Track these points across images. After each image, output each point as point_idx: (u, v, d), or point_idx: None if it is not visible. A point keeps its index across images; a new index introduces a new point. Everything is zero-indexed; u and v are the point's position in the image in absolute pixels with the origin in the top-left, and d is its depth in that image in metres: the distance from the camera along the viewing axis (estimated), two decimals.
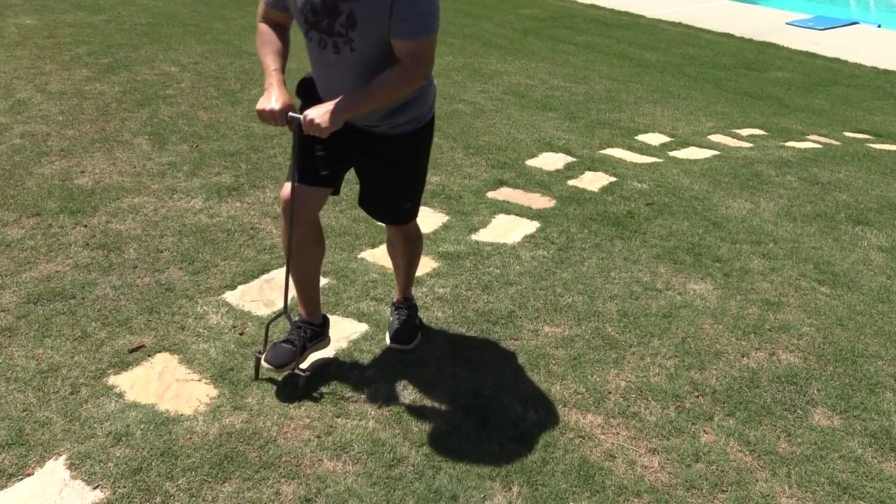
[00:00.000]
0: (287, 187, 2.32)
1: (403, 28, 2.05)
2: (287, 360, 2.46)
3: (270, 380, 2.53)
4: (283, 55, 2.26)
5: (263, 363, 2.46)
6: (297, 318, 2.58)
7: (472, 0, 11.97)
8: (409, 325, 2.78)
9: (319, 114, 2.10)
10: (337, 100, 2.12)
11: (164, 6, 8.52)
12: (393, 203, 2.53)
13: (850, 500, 2.23)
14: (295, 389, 2.48)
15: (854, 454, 2.40)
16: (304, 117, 2.12)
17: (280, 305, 2.86)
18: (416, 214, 2.60)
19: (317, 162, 2.34)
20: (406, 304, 2.83)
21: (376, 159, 2.41)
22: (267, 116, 2.16)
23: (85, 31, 6.95)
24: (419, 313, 2.89)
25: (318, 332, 2.58)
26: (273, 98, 2.16)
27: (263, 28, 2.30)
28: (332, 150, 2.35)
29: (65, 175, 3.95)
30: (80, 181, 3.89)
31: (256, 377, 2.53)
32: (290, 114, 2.17)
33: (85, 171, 4.01)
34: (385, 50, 2.12)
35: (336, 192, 2.45)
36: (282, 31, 2.29)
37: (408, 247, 2.71)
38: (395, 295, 2.89)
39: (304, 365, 2.52)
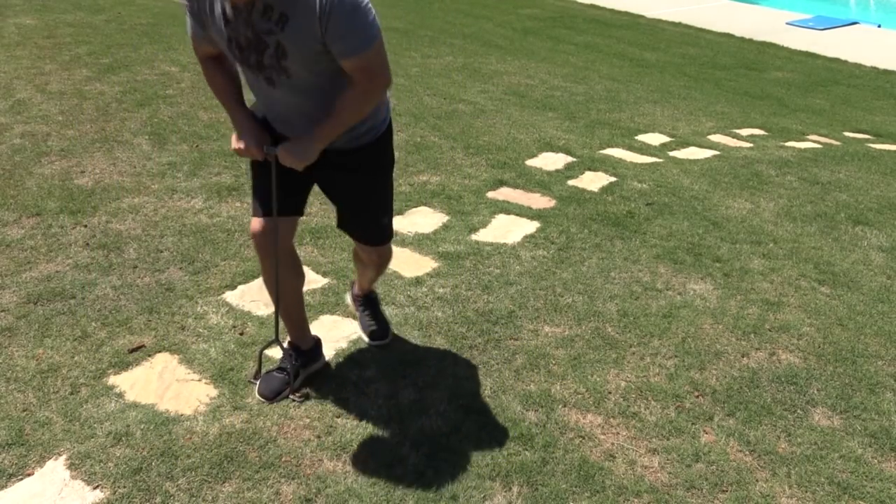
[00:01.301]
0: (256, 222, 2.28)
1: (344, 47, 1.95)
2: (279, 389, 2.45)
3: None
4: (236, 86, 2.23)
5: (256, 395, 2.45)
6: (286, 345, 2.52)
7: (472, 0, 11.98)
8: (380, 318, 2.80)
9: (295, 151, 2.11)
10: (309, 135, 2.11)
11: (164, 6, 8.51)
12: (371, 218, 2.42)
13: (850, 500, 2.23)
14: (299, 388, 2.48)
15: (854, 454, 2.40)
16: (279, 152, 2.13)
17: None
18: (392, 233, 2.51)
19: (283, 189, 2.27)
20: (371, 295, 2.83)
21: (343, 175, 2.33)
22: (244, 153, 2.17)
23: (85, 31, 6.95)
24: (424, 311, 2.89)
25: (309, 358, 2.55)
26: (245, 136, 2.17)
27: (207, 68, 2.24)
28: (295, 175, 2.26)
29: (65, 175, 3.95)
30: (80, 181, 3.89)
31: (256, 375, 2.53)
32: (267, 148, 2.17)
33: (85, 171, 4.01)
34: (321, 70, 2.04)
35: (301, 213, 2.39)
36: (223, 61, 2.22)
37: (379, 260, 2.62)
38: (356, 290, 2.85)
39: (297, 393, 2.47)
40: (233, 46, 2.05)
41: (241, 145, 2.16)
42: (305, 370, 2.53)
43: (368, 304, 2.83)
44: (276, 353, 2.57)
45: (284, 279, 2.36)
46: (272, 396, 2.43)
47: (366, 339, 2.77)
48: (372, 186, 2.37)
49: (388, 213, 2.45)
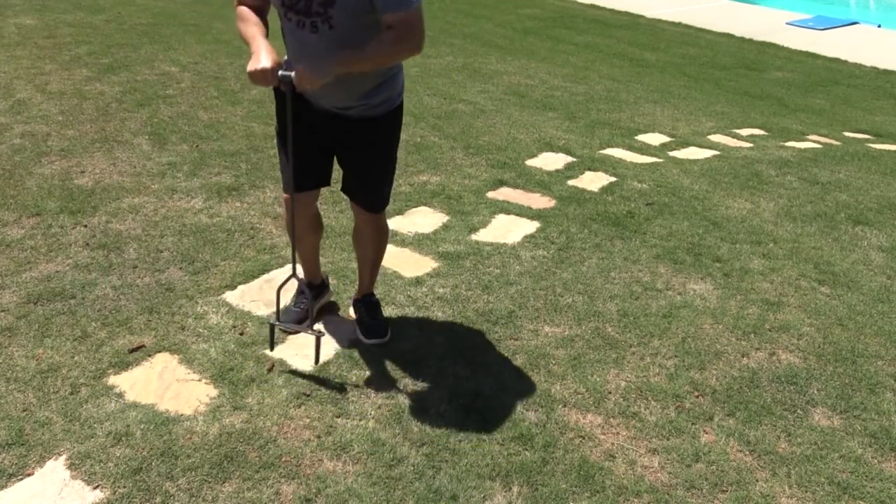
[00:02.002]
0: (286, 197, 2.53)
1: (389, 1, 2.11)
2: (299, 317, 2.78)
3: (271, 380, 2.53)
4: (265, 29, 2.28)
5: (279, 324, 2.64)
6: (299, 281, 2.73)
7: (472, 0, 11.98)
8: (379, 318, 2.83)
9: (312, 68, 2.11)
10: (329, 55, 2.15)
11: (164, 6, 8.52)
12: (375, 187, 2.58)
13: (850, 500, 2.23)
14: (297, 387, 2.48)
15: (854, 454, 2.40)
16: (296, 71, 2.12)
17: (280, 305, 2.87)
18: (388, 202, 2.66)
19: (306, 167, 2.47)
20: (372, 299, 2.86)
21: (355, 143, 2.48)
22: (258, 76, 2.14)
23: (85, 31, 6.95)
24: (424, 311, 2.89)
25: (320, 290, 2.92)
26: (262, 58, 2.14)
27: (242, 10, 2.33)
28: (315, 153, 2.49)
29: (65, 175, 3.95)
30: (80, 181, 3.89)
31: (272, 348, 2.64)
32: (282, 72, 2.15)
33: (85, 171, 4.01)
34: (363, 25, 2.17)
35: (328, 182, 2.61)
36: (260, 13, 2.31)
37: (378, 236, 2.76)
38: (356, 292, 2.91)
39: (316, 326, 2.68)
40: None
41: (259, 66, 2.12)
42: (317, 301, 2.89)
43: (367, 307, 2.84)
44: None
45: (308, 235, 2.71)
46: (294, 320, 2.76)
47: (362, 338, 2.78)
48: (380, 156, 2.54)
49: (390, 184, 2.63)
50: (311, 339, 2.60)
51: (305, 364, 2.62)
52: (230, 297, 2.99)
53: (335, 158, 2.59)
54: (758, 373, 2.78)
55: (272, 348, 2.65)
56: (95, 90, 5.30)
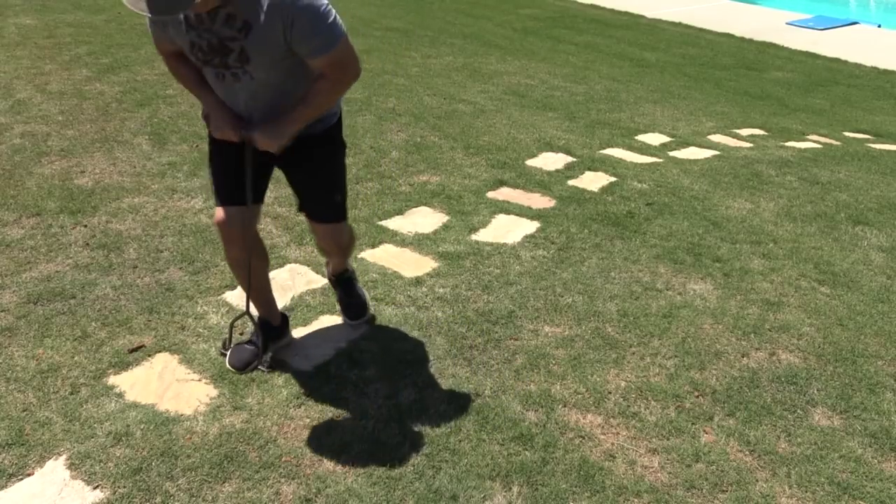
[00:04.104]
0: (220, 211, 2.38)
1: (311, 49, 2.07)
2: (249, 360, 2.57)
3: (271, 380, 2.53)
4: (201, 76, 2.29)
5: (227, 365, 2.56)
6: (258, 317, 2.65)
7: (472, 0, 11.98)
8: (354, 295, 2.83)
9: (270, 132, 2.19)
10: (282, 118, 2.20)
11: None
12: (324, 197, 2.53)
13: (850, 500, 2.23)
14: (297, 387, 2.48)
15: (854, 454, 2.40)
16: (256, 137, 2.20)
17: (280, 306, 2.87)
18: (345, 214, 2.61)
19: (246, 181, 2.36)
20: (345, 275, 2.84)
21: (298, 162, 2.43)
22: (223, 137, 2.26)
23: (85, 31, 6.95)
24: (424, 311, 2.89)
25: (278, 333, 2.67)
26: (223, 124, 2.25)
27: (170, 62, 2.32)
28: (257, 164, 2.39)
29: (65, 175, 3.95)
30: (80, 181, 3.89)
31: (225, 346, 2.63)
32: (243, 133, 2.24)
33: (85, 171, 4.01)
34: (284, 69, 2.16)
35: (262, 200, 2.52)
36: (185, 57, 2.26)
37: (343, 254, 2.75)
38: (329, 272, 2.89)
39: (265, 365, 2.59)
40: (195, 50, 2.14)
41: (222, 136, 2.23)
42: (275, 344, 2.65)
43: (341, 284, 2.85)
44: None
45: (255, 263, 2.48)
46: (242, 367, 2.55)
47: (346, 320, 2.81)
48: (323, 170, 2.48)
49: (341, 192, 2.56)
50: (311, 339, 2.60)
51: (305, 364, 2.62)
52: (230, 297, 2.98)
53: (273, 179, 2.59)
54: (758, 373, 2.78)
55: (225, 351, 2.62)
56: (95, 90, 5.30)
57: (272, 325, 2.64)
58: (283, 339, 2.69)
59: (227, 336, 2.63)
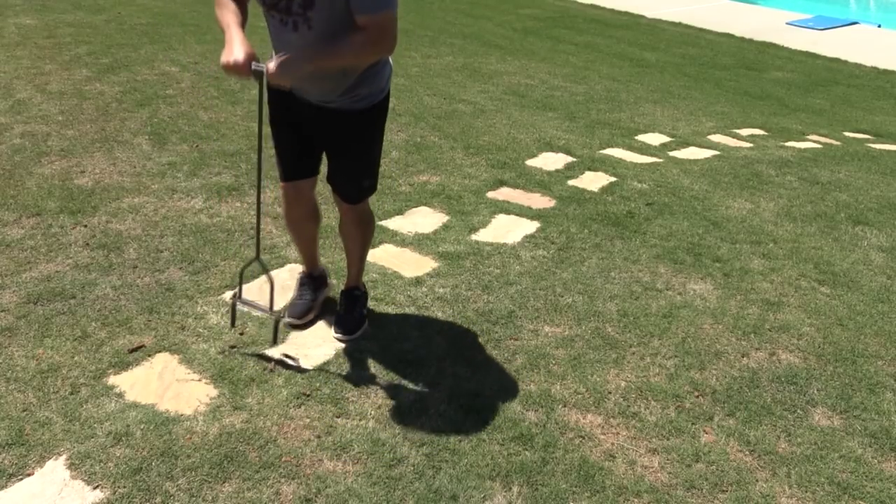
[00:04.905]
0: (283, 185, 2.67)
1: (363, 3, 2.15)
2: (305, 310, 2.84)
3: (271, 380, 2.53)
4: (242, 18, 2.29)
5: (288, 319, 2.79)
6: (300, 274, 2.93)
7: (472, 0, 11.98)
8: (355, 313, 2.84)
9: (284, 65, 2.17)
10: (298, 53, 2.20)
11: (164, 6, 8.52)
12: (354, 177, 2.62)
13: (850, 500, 2.23)
14: (297, 387, 2.48)
15: (854, 454, 2.40)
16: (267, 67, 2.16)
17: (280, 305, 2.88)
18: (370, 193, 2.71)
19: (298, 155, 2.60)
20: (355, 292, 2.87)
21: (336, 134, 2.52)
22: (231, 69, 2.16)
23: (85, 31, 6.95)
24: (424, 311, 2.89)
25: (319, 283, 2.94)
26: (235, 50, 2.16)
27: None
28: (303, 143, 2.59)
29: (65, 175, 3.95)
30: (80, 181, 3.89)
31: (233, 325, 2.71)
32: (254, 65, 2.17)
33: (85, 171, 4.01)
34: (342, 27, 2.20)
35: (316, 172, 2.69)
36: (239, 2, 2.33)
37: (360, 229, 2.79)
38: (346, 282, 2.92)
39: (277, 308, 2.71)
40: None
41: (232, 59, 2.15)
42: (319, 293, 2.92)
43: (350, 298, 2.86)
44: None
45: (307, 223, 2.79)
46: (301, 315, 2.81)
47: (332, 332, 2.80)
48: (361, 149, 2.57)
49: (371, 177, 2.66)
50: (311, 338, 2.61)
51: (305, 364, 2.62)
52: (230, 296, 2.98)
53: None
54: (758, 373, 2.78)
55: (233, 325, 2.72)
56: (95, 90, 5.30)
57: (314, 276, 2.92)
58: (326, 286, 2.96)
59: (238, 284, 2.69)
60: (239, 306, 2.68)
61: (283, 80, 2.21)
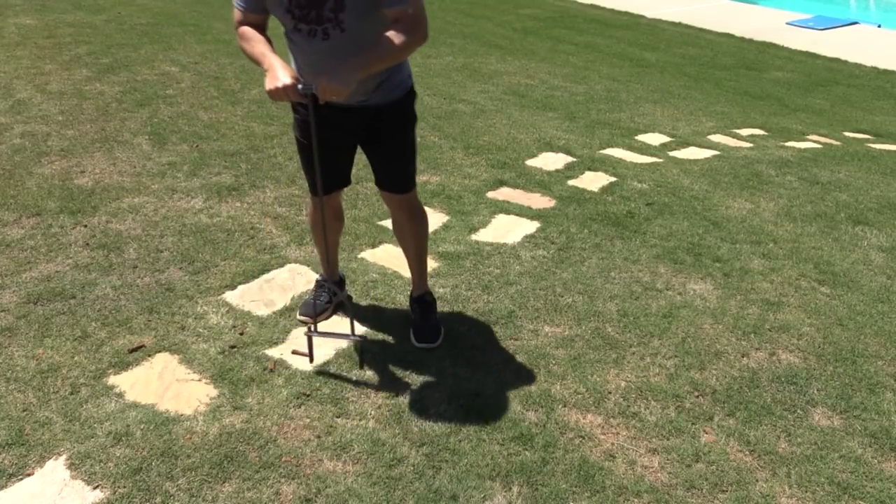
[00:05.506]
0: (310, 198, 2.71)
1: None
2: (320, 311, 2.86)
3: (271, 380, 2.53)
4: (271, 45, 2.31)
5: (301, 317, 2.84)
6: (319, 276, 2.99)
7: (472, 0, 11.98)
8: (431, 321, 2.84)
9: (335, 80, 2.12)
10: (344, 65, 2.17)
11: (164, 6, 8.52)
12: (403, 166, 2.65)
13: (850, 500, 2.23)
14: (297, 387, 2.49)
15: (854, 454, 2.40)
16: (318, 85, 2.13)
17: (280, 305, 2.89)
18: (415, 182, 2.71)
19: (330, 169, 2.56)
20: (427, 298, 2.88)
21: (380, 131, 2.53)
22: (279, 93, 2.16)
23: (85, 31, 6.95)
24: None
25: (339, 286, 2.98)
26: (280, 74, 2.16)
27: (244, 29, 2.34)
28: (340, 152, 2.60)
29: (65, 175, 3.95)
30: (80, 181, 3.89)
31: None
32: (301, 87, 2.16)
33: (85, 171, 4.01)
34: (373, 24, 2.21)
35: (349, 182, 2.74)
36: (261, 30, 2.35)
37: (415, 224, 2.78)
38: (412, 289, 2.94)
39: (356, 332, 2.74)
40: (293, 5, 2.21)
41: (280, 83, 2.14)
42: (336, 297, 2.96)
43: (422, 306, 2.87)
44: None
45: (332, 223, 2.78)
46: (315, 316, 2.77)
47: (413, 340, 2.79)
48: (404, 138, 2.60)
49: (414, 161, 2.69)
50: (312, 338, 2.60)
51: (305, 364, 2.62)
52: (230, 297, 2.99)
53: (354, 155, 2.69)
54: (758, 373, 2.78)
55: (311, 360, 2.63)
56: (95, 90, 5.30)
57: (332, 280, 2.94)
58: (342, 291, 2.96)
59: (310, 322, 2.72)
60: (316, 338, 2.65)
61: (339, 95, 2.14)
